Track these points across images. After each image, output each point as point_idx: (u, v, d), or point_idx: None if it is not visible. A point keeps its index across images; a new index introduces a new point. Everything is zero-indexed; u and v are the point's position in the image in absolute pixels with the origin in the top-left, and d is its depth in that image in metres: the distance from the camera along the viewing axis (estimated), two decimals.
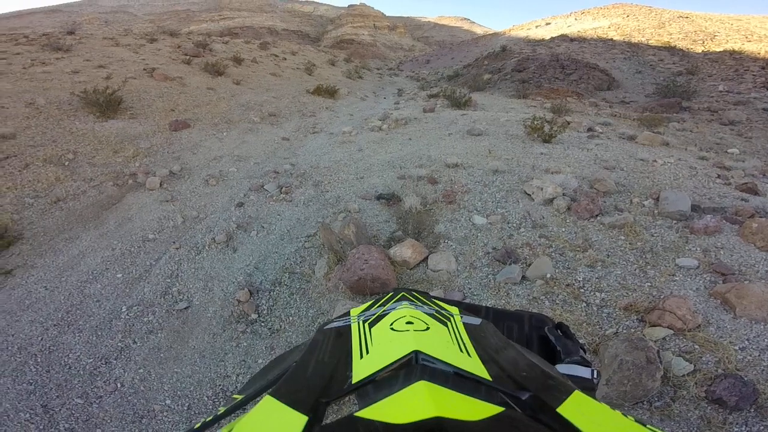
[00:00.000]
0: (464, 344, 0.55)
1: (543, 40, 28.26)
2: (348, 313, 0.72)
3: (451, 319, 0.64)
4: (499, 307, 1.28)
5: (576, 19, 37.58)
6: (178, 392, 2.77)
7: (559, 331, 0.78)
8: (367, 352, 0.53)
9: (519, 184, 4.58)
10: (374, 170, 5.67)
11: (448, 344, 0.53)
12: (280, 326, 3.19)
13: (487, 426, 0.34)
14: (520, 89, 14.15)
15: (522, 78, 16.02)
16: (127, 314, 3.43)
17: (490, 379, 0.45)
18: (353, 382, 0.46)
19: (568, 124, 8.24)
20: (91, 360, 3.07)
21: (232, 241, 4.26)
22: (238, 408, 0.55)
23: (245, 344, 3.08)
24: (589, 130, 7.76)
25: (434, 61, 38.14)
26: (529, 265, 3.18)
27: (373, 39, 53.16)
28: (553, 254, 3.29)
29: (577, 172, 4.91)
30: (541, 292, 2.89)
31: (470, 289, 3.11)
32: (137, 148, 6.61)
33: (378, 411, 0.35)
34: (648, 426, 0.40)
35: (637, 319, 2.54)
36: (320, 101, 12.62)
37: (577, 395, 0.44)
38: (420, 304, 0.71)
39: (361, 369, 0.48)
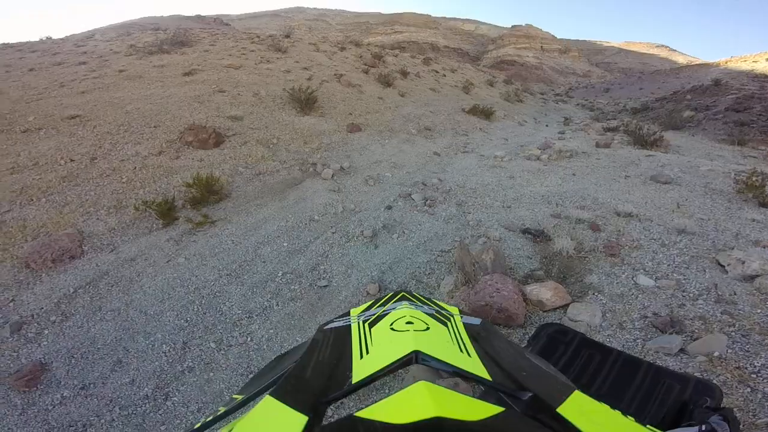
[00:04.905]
0: (464, 344, 0.54)
1: None
2: (348, 313, 0.72)
3: (451, 319, 0.63)
4: (662, 365, 1.16)
5: None
6: None
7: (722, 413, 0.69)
8: (367, 352, 0.53)
9: (711, 251, 3.64)
10: (524, 201, 5.29)
11: (448, 344, 0.53)
12: None
13: (486, 426, 0.33)
14: (735, 133, 11.11)
15: (740, 120, 12.54)
16: (281, 279, 3.87)
17: (490, 379, 0.44)
18: (353, 382, 0.46)
19: None
20: (239, 311, 3.42)
21: (376, 238, 4.58)
22: (238, 408, 0.56)
23: None
24: None
25: (616, 90, 33.45)
26: (695, 339, 2.60)
27: (538, 61, 50.27)
28: (732, 333, 2.62)
29: None
30: (698, 368, 2.35)
31: None
32: (321, 142, 7.89)
33: (378, 411, 0.35)
34: (648, 426, 0.40)
35: None
36: (474, 121, 12.56)
37: (578, 395, 0.44)
38: (420, 304, 0.70)
39: (361, 369, 0.48)
